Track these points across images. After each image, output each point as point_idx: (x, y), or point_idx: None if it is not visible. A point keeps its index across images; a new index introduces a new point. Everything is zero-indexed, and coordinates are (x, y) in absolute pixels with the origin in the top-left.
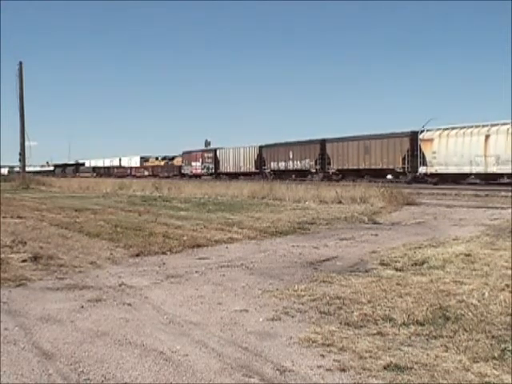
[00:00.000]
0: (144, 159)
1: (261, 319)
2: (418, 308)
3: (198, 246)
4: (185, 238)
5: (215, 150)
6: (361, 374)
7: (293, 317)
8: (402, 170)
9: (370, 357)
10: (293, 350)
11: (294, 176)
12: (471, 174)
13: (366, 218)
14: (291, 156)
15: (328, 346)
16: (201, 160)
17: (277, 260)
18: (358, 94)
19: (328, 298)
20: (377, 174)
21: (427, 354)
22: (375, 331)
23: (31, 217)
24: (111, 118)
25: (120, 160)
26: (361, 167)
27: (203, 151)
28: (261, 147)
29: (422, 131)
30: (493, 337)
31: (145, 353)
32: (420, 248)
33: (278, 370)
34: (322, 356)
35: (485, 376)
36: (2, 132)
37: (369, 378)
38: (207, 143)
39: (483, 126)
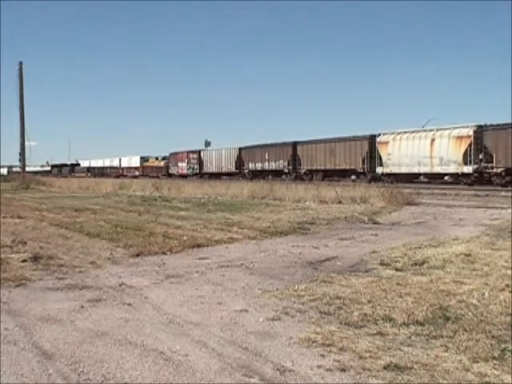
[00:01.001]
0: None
1: (261, 319)
2: (418, 308)
3: (198, 245)
4: (185, 237)
5: (199, 152)
6: (361, 374)
7: (293, 317)
8: (362, 171)
9: (370, 357)
10: (293, 350)
11: (270, 176)
12: (420, 174)
13: (366, 218)
14: (267, 157)
15: (328, 346)
16: (186, 161)
17: (277, 260)
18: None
19: (328, 297)
20: (342, 174)
21: (427, 354)
22: (375, 331)
23: (31, 217)
24: (111, 118)
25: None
26: (327, 168)
27: (188, 152)
28: (240, 149)
29: (379, 135)
30: (493, 337)
31: (145, 353)
32: (420, 248)
33: (277, 370)
34: (322, 356)
35: (485, 376)
36: (2, 132)
37: (369, 377)
38: (207, 143)
39: (430, 130)
